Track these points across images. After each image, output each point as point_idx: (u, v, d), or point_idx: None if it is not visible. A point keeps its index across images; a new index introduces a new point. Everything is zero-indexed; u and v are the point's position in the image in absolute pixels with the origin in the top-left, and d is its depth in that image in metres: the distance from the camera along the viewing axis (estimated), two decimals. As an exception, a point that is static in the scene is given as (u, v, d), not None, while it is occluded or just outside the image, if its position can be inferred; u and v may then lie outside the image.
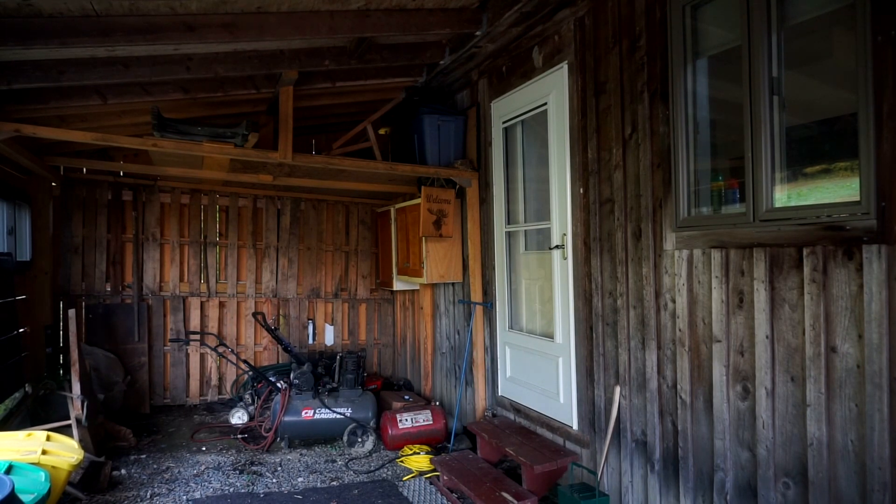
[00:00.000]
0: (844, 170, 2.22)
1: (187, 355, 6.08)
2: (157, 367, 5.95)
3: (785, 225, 2.29)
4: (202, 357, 6.15)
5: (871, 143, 2.00)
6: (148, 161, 4.95)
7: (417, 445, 4.65)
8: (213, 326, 6.20)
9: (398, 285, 5.94)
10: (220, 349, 5.89)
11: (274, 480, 4.11)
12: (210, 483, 4.04)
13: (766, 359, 2.38)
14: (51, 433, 3.34)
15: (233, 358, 6.03)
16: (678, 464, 2.83)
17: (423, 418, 4.87)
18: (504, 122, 4.46)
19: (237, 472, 4.25)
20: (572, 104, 3.60)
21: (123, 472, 4.15)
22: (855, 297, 2.06)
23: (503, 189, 4.52)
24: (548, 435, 3.90)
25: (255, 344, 6.40)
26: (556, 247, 3.80)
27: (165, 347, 6.00)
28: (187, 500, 3.76)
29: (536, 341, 4.08)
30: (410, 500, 3.83)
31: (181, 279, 6.10)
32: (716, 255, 2.60)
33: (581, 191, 3.53)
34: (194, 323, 6.13)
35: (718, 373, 2.60)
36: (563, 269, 3.75)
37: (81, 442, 3.75)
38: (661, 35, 2.88)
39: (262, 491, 3.92)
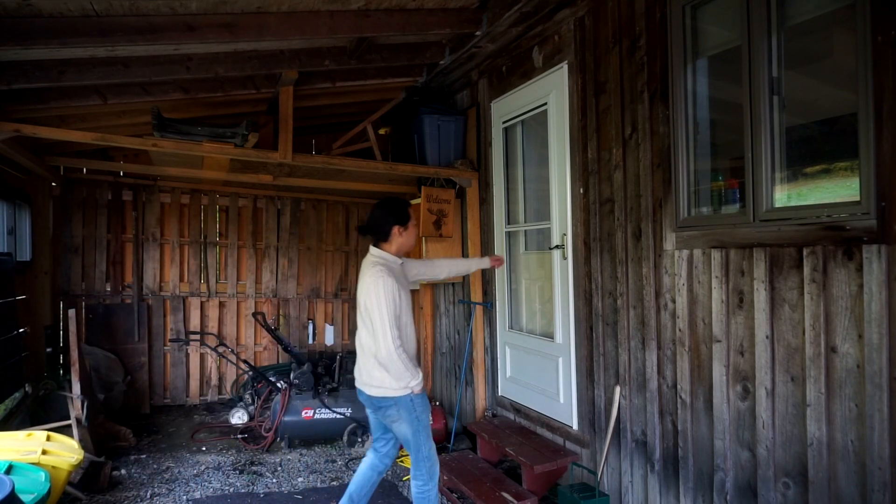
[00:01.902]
0: (844, 170, 2.22)
1: (187, 355, 6.08)
2: (157, 367, 5.95)
3: (785, 225, 2.29)
4: (202, 357, 6.15)
5: (871, 143, 2.00)
6: (148, 161, 4.95)
7: (417, 445, 4.64)
8: (213, 326, 6.21)
9: (398, 285, 5.92)
10: (220, 349, 5.89)
11: (274, 480, 4.11)
12: (210, 483, 4.04)
13: (766, 359, 2.38)
14: (51, 433, 3.34)
15: (233, 358, 6.03)
16: (678, 464, 2.83)
17: (423, 418, 4.86)
18: (504, 122, 4.46)
19: (237, 472, 4.25)
20: (572, 104, 3.60)
21: (123, 472, 4.15)
22: (855, 297, 2.06)
23: (503, 189, 4.52)
24: (548, 435, 3.90)
25: (255, 344, 6.40)
26: (556, 247, 3.80)
27: (165, 347, 6.00)
28: (187, 500, 3.76)
29: (536, 341, 4.08)
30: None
31: (181, 279, 6.10)
32: (716, 255, 2.60)
33: (581, 191, 3.53)
34: (194, 323, 6.13)
35: (718, 373, 2.60)
36: (563, 269, 3.75)
37: (81, 442, 3.75)
38: (661, 35, 2.88)
39: (262, 491, 3.92)
